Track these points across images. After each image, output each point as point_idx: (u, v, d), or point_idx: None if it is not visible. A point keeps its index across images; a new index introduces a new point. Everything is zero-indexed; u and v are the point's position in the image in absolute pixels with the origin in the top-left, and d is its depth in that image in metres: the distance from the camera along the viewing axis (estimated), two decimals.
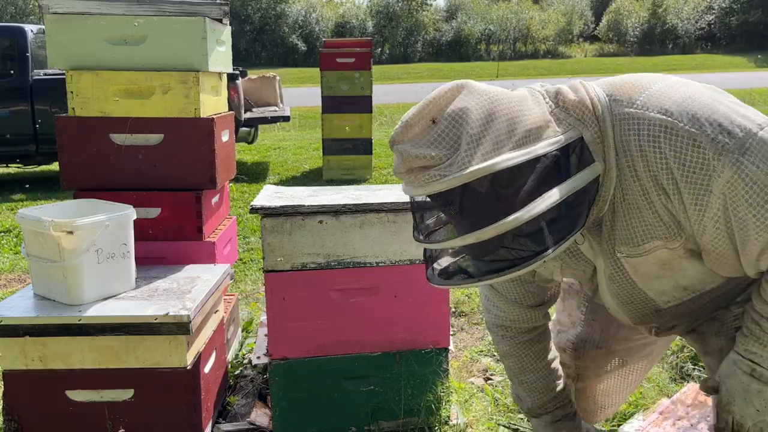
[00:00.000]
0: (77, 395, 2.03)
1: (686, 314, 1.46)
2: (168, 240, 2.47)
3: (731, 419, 1.30)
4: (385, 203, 2.12)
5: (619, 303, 1.44)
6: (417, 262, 2.17)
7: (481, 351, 2.95)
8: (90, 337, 1.98)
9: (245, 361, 2.73)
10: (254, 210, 2.08)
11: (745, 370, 1.28)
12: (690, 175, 1.16)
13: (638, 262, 1.31)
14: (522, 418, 2.31)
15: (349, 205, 2.11)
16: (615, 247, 1.32)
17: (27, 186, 7.09)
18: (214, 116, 2.47)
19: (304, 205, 2.08)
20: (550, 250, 1.16)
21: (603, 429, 2.19)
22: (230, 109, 2.94)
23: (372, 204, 2.12)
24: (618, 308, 1.46)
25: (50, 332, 1.97)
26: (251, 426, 2.27)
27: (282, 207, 2.08)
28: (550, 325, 1.73)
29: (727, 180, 1.14)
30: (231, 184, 3.46)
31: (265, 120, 8.10)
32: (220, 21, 2.54)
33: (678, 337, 2.82)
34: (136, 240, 2.19)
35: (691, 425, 2.17)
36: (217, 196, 2.70)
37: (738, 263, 1.24)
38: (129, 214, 2.14)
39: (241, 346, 2.93)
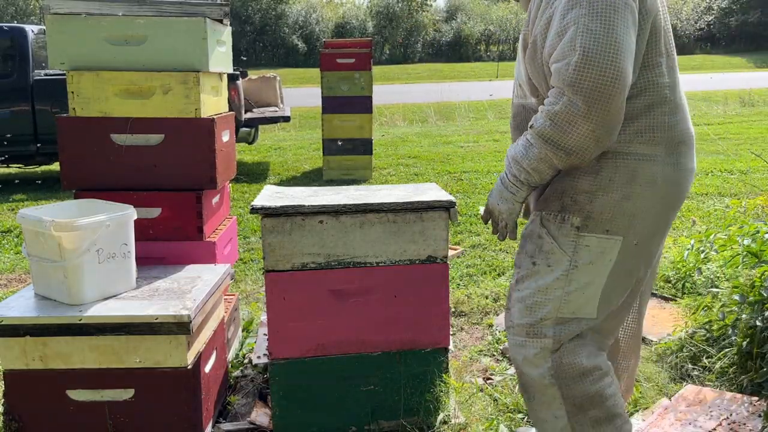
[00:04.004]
0: (78, 395, 2.03)
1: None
2: (168, 240, 2.47)
3: (488, 207, 1.81)
4: (385, 203, 2.13)
5: (515, 81, 1.88)
6: (417, 262, 2.17)
7: (481, 351, 2.95)
8: (90, 337, 1.99)
9: (245, 361, 2.74)
10: (254, 210, 2.09)
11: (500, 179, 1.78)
12: None
13: (524, 37, 1.75)
14: (522, 418, 2.31)
15: (349, 205, 2.11)
16: (529, 26, 1.73)
17: (17, 182, 7.09)
18: (215, 116, 2.47)
19: (304, 206, 2.09)
20: None
21: None
22: (230, 109, 2.94)
23: (372, 204, 2.12)
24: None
25: (51, 332, 1.98)
26: (251, 425, 2.27)
27: (282, 207, 2.08)
28: None
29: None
30: (231, 184, 3.47)
31: (265, 120, 8.11)
32: (221, 21, 2.55)
33: (676, 336, 2.81)
34: (136, 240, 2.20)
35: (690, 424, 2.17)
36: (218, 196, 2.70)
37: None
38: (129, 214, 2.15)
39: (242, 345, 2.94)
